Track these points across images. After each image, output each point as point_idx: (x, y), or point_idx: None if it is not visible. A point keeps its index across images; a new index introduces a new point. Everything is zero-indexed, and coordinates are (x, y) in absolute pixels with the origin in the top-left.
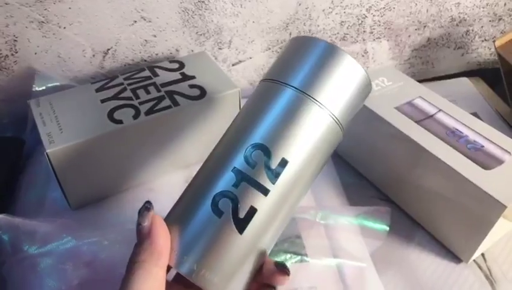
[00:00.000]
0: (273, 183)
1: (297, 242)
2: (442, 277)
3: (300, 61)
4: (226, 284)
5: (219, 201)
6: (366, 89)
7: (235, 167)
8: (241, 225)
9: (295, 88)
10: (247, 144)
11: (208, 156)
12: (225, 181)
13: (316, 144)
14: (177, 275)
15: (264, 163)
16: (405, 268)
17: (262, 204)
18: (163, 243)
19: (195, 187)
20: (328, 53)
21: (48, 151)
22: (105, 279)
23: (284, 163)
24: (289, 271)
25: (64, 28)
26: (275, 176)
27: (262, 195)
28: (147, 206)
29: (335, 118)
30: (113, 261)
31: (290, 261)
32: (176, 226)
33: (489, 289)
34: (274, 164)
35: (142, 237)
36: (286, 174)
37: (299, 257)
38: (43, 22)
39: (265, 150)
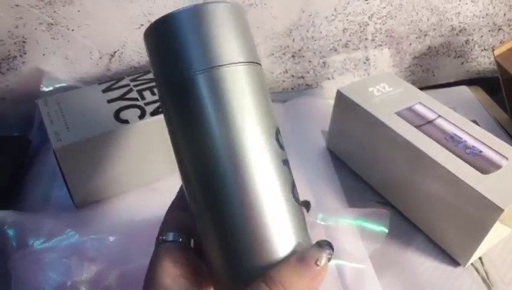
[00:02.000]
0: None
1: None
2: (440, 280)
3: (185, 42)
4: None
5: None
6: (243, 15)
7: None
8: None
9: (202, 70)
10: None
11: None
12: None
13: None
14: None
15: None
16: (404, 271)
17: None
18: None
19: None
20: (196, 15)
21: (55, 148)
22: (109, 274)
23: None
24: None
25: (73, 30)
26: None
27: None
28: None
29: (258, 63)
30: (117, 257)
31: None
32: None
33: None
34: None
35: None
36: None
37: None
38: (52, 24)
39: (279, 136)
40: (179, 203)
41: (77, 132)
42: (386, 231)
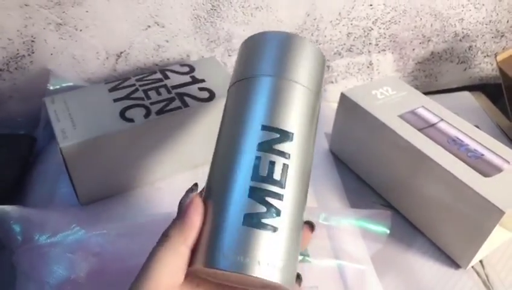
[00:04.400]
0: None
1: None
2: (440, 282)
3: (265, 53)
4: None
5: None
6: (323, 61)
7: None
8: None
9: (272, 75)
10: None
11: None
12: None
13: (310, 115)
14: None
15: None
16: (405, 272)
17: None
18: (196, 223)
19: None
20: (286, 40)
21: (61, 146)
22: (112, 270)
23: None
24: (314, 226)
25: (81, 30)
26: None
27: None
28: (192, 188)
29: (312, 91)
30: (120, 253)
31: None
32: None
33: None
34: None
35: (179, 213)
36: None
37: (301, 257)
38: (60, 24)
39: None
40: None
41: (83, 131)
42: (388, 231)
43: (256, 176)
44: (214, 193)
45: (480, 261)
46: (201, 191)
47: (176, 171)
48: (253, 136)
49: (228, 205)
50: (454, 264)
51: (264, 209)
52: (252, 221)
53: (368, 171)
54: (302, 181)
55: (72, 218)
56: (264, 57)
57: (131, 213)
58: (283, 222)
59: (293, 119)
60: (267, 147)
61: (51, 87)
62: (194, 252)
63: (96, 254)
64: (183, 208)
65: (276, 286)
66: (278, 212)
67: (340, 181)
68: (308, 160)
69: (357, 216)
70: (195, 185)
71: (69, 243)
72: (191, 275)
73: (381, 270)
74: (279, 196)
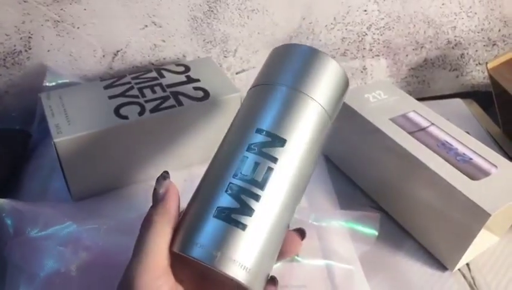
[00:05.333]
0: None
1: None
2: (428, 284)
3: (287, 64)
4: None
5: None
6: (345, 84)
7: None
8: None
9: (288, 86)
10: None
11: (214, 157)
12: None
13: (311, 128)
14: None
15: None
16: (393, 274)
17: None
18: (175, 206)
19: (213, 174)
20: (311, 55)
21: (55, 140)
22: (103, 264)
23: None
24: (305, 234)
25: (78, 28)
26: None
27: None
28: (164, 175)
29: (323, 108)
30: (110, 247)
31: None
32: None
33: None
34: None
35: (156, 200)
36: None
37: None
38: (58, 21)
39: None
40: None
41: (77, 126)
42: (376, 234)
43: (238, 173)
44: (202, 184)
45: (467, 265)
46: None
47: (169, 169)
48: (246, 137)
49: (207, 196)
50: (442, 266)
51: (237, 205)
52: (222, 214)
53: (359, 173)
54: (289, 188)
55: (64, 213)
56: (284, 68)
57: (123, 210)
58: (255, 222)
59: (290, 128)
60: (255, 148)
61: (47, 84)
62: (174, 235)
63: (86, 248)
64: (159, 195)
65: (238, 282)
66: (251, 212)
67: (331, 183)
68: (302, 171)
69: (347, 218)
70: (166, 172)
71: (60, 237)
72: (176, 255)
73: (369, 272)
74: (256, 197)
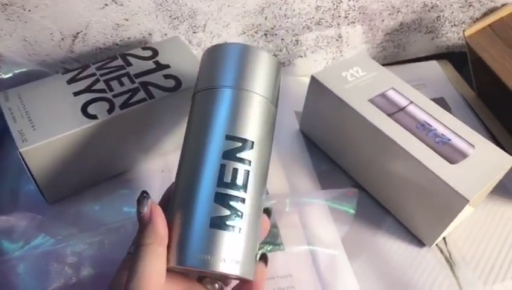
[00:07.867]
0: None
1: (274, 231)
2: (407, 261)
3: (227, 64)
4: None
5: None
6: (278, 69)
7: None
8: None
9: (232, 87)
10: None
11: (181, 164)
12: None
13: (266, 122)
14: None
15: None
16: (374, 254)
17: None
18: (163, 227)
19: (186, 191)
20: (244, 51)
21: (21, 150)
22: (87, 279)
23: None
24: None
25: (29, 10)
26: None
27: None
28: (144, 196)
29: (268, 99)
30: (94, 261)
31: (267, 250)
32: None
33: (449, 271)
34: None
35: (144, 223)
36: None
37: (276, 246)
38: (6, 4)
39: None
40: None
41: (44, 131)
42: (353, 211)
43: (221, 182)
44: (183, 198)
45: (444, 239)
46: (170, 186)
47: (144, 160)
48: (218, 145)
49: (196, 209)
50: (420, 242)
51: (228, 212)
52: (218, 223)
53: (338, 152)
54: (260, 184)
55: (40, 221)
56: (223, 69)
57: (101, 207)
58: (245, 221)
59: (252, 128)
60: (230, 155)
61: (3, 76)
62: (168, 252)
63: (70, 264)
64: (145, 218)
65: (238, 277)
66: (241, 215)
67: (311, 161)
68: (266, 164)
69: (325, 197)
70: (145, 192)
71: (40, 254)
72: (169, 271)
73: (351, 253)
74: (242, 200)
